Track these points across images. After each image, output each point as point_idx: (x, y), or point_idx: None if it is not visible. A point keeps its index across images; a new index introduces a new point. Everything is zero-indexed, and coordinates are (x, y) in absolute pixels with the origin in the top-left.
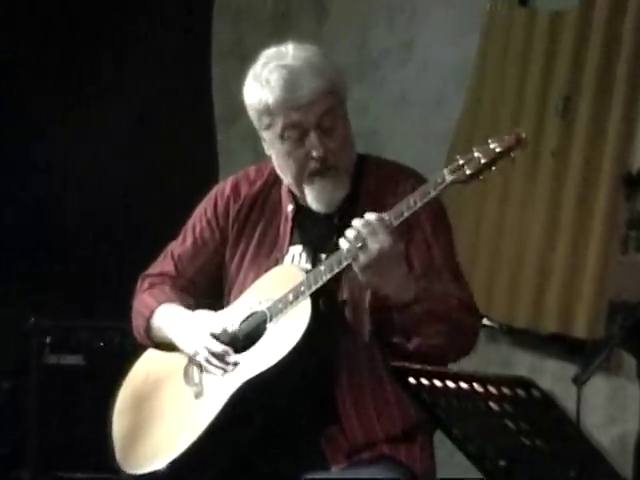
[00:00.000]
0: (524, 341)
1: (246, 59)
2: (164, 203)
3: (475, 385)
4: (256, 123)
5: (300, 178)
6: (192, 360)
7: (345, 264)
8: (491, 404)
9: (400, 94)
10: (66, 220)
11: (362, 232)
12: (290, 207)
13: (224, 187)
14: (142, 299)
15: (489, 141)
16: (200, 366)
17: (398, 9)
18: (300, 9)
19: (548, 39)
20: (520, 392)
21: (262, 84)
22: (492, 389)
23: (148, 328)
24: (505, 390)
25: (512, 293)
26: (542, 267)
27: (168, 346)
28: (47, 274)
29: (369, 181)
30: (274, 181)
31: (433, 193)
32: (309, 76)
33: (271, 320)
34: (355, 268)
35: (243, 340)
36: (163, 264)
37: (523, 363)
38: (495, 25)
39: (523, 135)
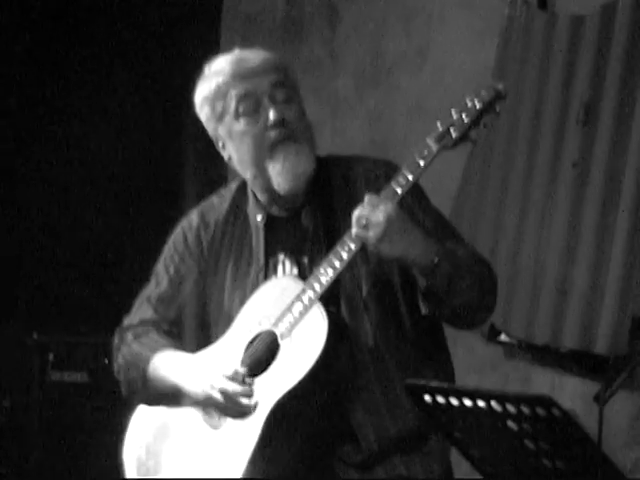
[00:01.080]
0: (544, 358)
1: None
2: (167, 217)
3: (493, 404)
4: (210, 122)
5: (261, 155)
6: (206, 406)
7: (348, 257)
8: (509, 423)
9: (415, 101)
10: (70, 235)
11: (364, 213)
12: (259, 216)
13: (190, 220)
14: (132, 351)
15: (467, 99)
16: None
17: (413, 13)
18: (312, 15)
19: (568, 44)
20: (540, 411)
21: (210, 74)
22: (511, 408)
23: (146, 380)
24: (524, 409)
25: (531, 308)
26: (562, 282)
27: (168, 399)
28: (50, 290)
29: (336, 179)
30: (239, 200)
31: (422, 164)
32: (258, 53)
33: (283, 336)
34: (370, 248)
35: (256, 366)
36: (139, 312)
37: (543, 381)
38: (514, 29)
39: (500, 86)
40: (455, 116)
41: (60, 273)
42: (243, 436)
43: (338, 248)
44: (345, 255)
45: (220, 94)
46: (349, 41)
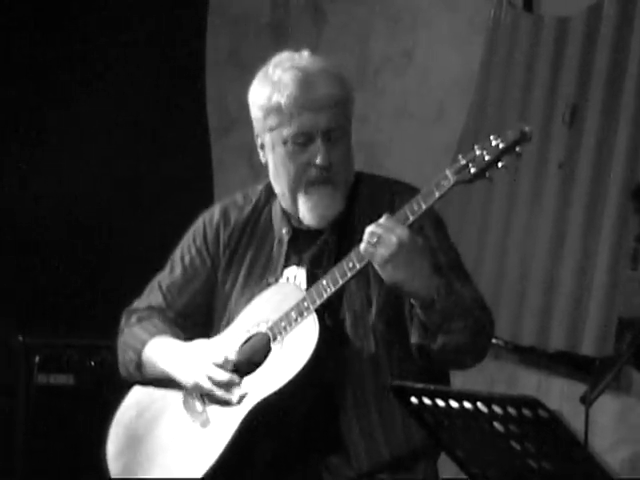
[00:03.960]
0: (530, 359)
1: (242, 69)
2: (157, 219)
3: (479, 405)
4: (259, 125)
5: (296, 186)
6: (192, 392)
7: (351, 274)
8: (496, 425)
9: (401, 104)
10: (56, 237)
11: (377, 231)
12: (285, 230)
13: (212, 214)
14: (133, 333)
15: (491, 137)
16: (202, 397)
17: (398, 15)
18: (298, 17)
19: (554, 46)
20: (526, 412)
21: (274, 83)
22: (497, 409)
23: (140, 362)
24: (510, 410)
25: (518, 310)
26: (549, 282)
27: (159, 382)
28: (36, 292)
29: (363, 199)
30: (263, 204)
31: (437, 194)
32: (325, 80)
33: (275, 340)
34: (375, 266)
35: (246, 364)
36: (150, 297)
37: (529, 382)
38: (499, 31)
39: (527, 129)
40: (477, 152)
41: (47, 275)
42: (218, 433)
43: (343, 263)
44: (348, 272)
45: (277, 112)
46: (335, 43)
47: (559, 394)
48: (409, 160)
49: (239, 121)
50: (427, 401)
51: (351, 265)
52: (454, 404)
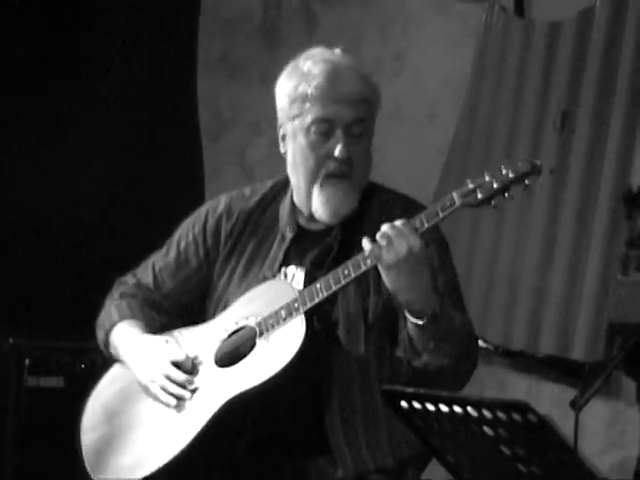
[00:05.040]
0: (520, 364)
1: (234, 71)
2: (148, 222)
3: (469, 409)
4: (282, 114)
5: (313, 178)
6: (147, 389)
7: (345, 281)
8: (485, 429)
9: (392, 108)
10: (46, 240)
11: (390, 233)
12: (289, 227)
13: (217, 204)
14: (108, 310)
15: (502, 166)
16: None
17: (390, 19)
18: (290, 20)
19: (545, 51)
20: (516, 416)
21: (303, 73)
22: (487, 413)
23: (107, 343)
24: (500, 414)
25: (508, 313)
26: (539, 287)
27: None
28: (27, 295)
29: (372, 207)
30: (271, 199)
31: (441, 215)
32: (353, 76)
33: (261, 336)
34: (380, 268)
35: (229, 355)
36: (143, 274)
37: (519, 386)
38: (491, 36)
39: (538, 163)
40: (486, 179)
41: (36, 278)
42: (190, 420)
43: (339, 270)
44: (343, 279)
45: (303, 100)
46: (327, 46)
47: (549, 398)
48: (401, 162)
49: (231, 124)
50: (417, 405)
51: (346, 272)
52: (444, 408)
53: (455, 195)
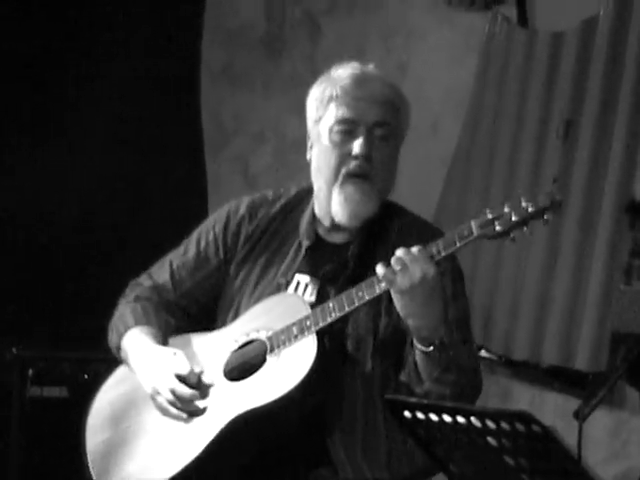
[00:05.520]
0: (524, 374)
1: (237, 82)
2: (151, 231)
3: (473, 419)
4: (311, 121)
5: (334, 178)
6: (153, 399)
7: (358, 303)
8: (489, 439)
9: None
10: (50, 250)
11: (405, 258)
12: (306, 239)
13: (238, 206)
14: (122, 313)
15: (522, 199)
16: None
17: (393, 29)
18: (293, 30)
19: (548, 61)
20: (519, 427)
21: (332, 78)
22: (490, 424)
23: (120, 347)
24: (504, 425)
25: (511, 324)
26: (542, 297)
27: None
28: (30, 304)
29: (392, 226)
30: (293, 206)
31: (458, 245)
32: (381, 82)
33: (272, 352)
34: (392, 292)
35: (238, 368)
36: (159, 273)
37: (523, 396)
38: (494, 46)
39: (557, 197)
40: (505, 210)
41: (40, 287)
42: (198, 434)
43: (353, 292)
44: (356, 301)
45: (326, 101)
46: (330, 57)
47: (553, 409)
48: (404, 173)
49: (234, 134)
50: (420, 415)
51: (360, 294)
52: (447, 419)
53: (473, 225)
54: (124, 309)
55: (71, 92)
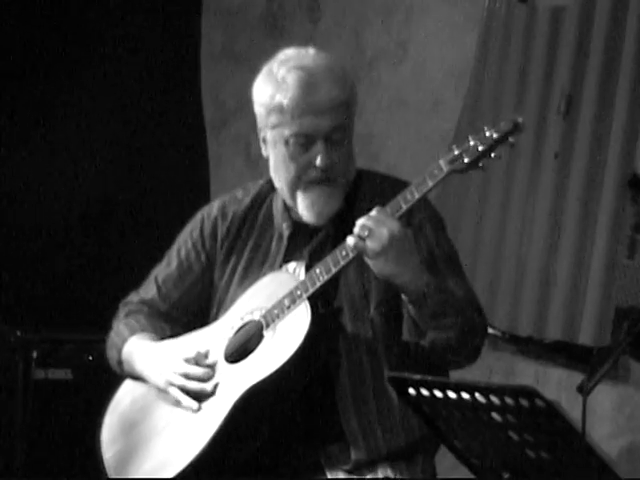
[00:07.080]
0: (528, 349)
1: (237, 61)
2: (153, 213)
3: (477, 395)
4: (261, 121)
5: (295, 184)
6: (166, 394)
7: (344, 262)
8: (494, 415)
9: (396, 95)
10: (52, 232)
11: (368, 224)
12: (285, 224)
13: (210, 209)
14: (117, 329)
15: (485, 128)
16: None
17: (393, 7)
18: (293, 9)
19: (549, 36)
20: (523, 402)
21: (277, 82)
22: (495, 399)
23: (120, 360)
24: (508, 400)
25: (515, 299)
26: (545, 273)
27: (138, 379)
28: (34, 287)
29: (364, 197)
30: (264, 197)
31: (430, 184)
32: (328, 82)
33: (267, 327)
34: (366, 260)
35: (238, 350)
36: (146, 290)
37: (527, 372)
38: (494, 23)
39: (519, 120)
40: (471, 143)
41: (43, 270)
42: (209, 419)
43: (337, 252)
44: (342, 260)
45: (279, 112)
46: (330, 35)
47: (557, 384)
48: (405, 151)
49: (235, 114)
50: (425, 392)
51: (344, 254)
52: (452, 395)
53: (442, 162)
54: (117, 326)
55: (73, 72)
